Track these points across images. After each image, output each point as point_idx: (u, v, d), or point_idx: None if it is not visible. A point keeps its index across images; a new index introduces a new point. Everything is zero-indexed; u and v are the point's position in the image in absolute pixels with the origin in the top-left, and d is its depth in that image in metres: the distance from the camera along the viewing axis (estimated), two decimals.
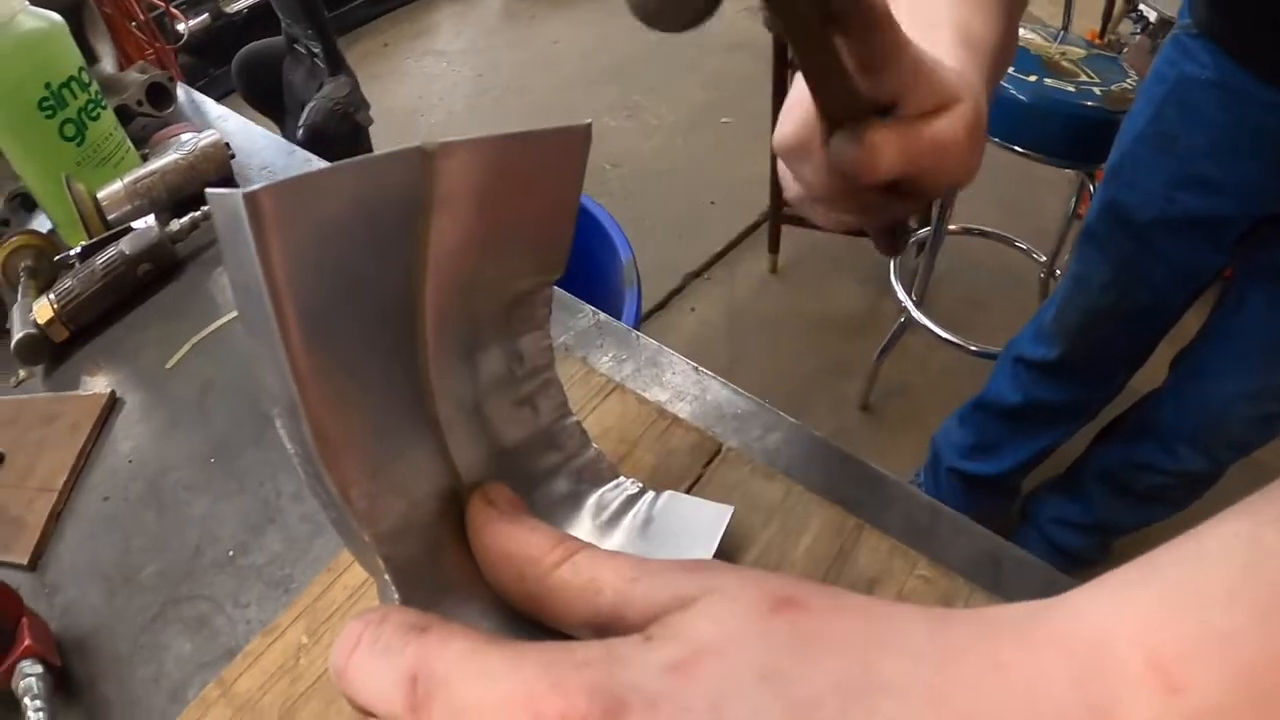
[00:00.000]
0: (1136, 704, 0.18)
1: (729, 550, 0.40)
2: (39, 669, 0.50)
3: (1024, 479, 1.59)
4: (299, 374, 0.26)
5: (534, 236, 0.35)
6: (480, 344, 0.35)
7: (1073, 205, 1.79)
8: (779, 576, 0.23)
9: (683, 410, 0.51)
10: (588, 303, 0.63)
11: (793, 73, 2.03)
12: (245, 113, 1.29)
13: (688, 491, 0.43)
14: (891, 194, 0.44)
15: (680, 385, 0.54)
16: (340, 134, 1.82)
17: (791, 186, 0.47)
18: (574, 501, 0.39)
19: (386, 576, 0.30)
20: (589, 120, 0.34)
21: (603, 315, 0.59)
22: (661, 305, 2.38)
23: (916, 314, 1.81)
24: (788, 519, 0.42)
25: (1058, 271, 1.89)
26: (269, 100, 2.37)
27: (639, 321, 1.02)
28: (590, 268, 1.12)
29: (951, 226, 2.02)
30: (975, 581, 0.38)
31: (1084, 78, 1.48)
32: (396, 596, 0.30)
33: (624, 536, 0.39)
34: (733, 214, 2.51)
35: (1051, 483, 1.61)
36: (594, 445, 0.40)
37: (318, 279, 0.26)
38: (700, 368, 0.54)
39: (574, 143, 0.34)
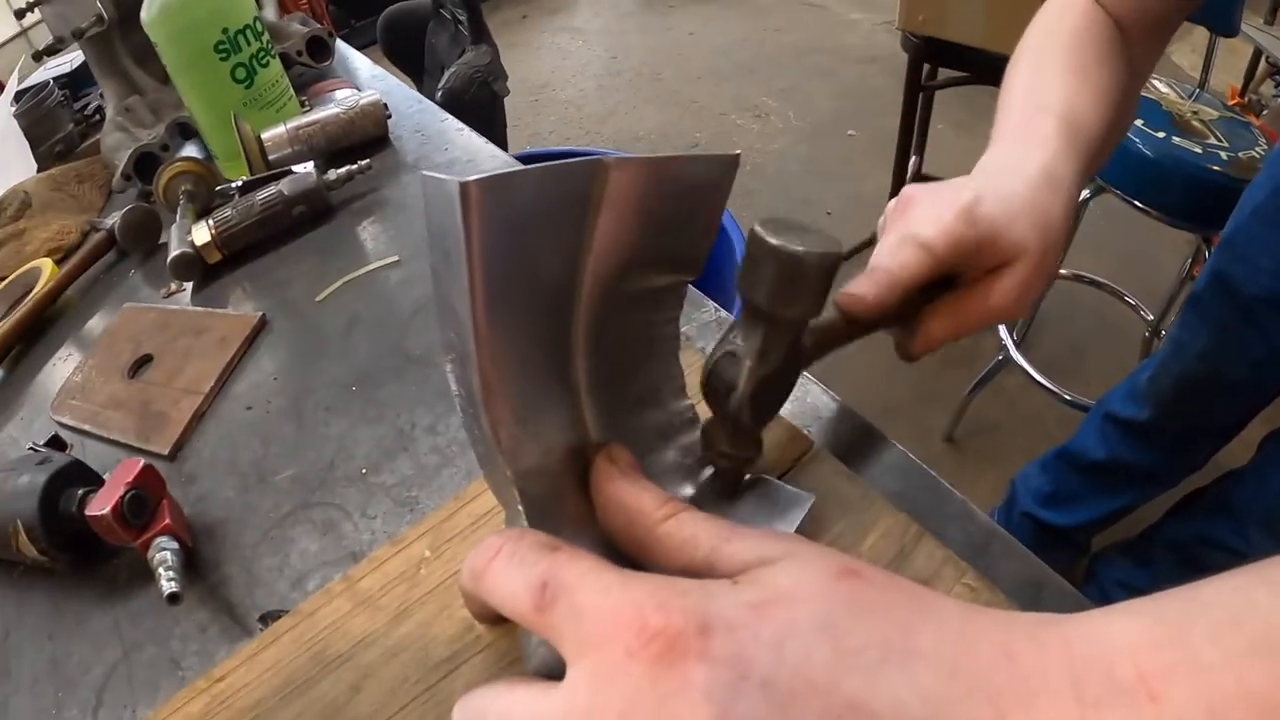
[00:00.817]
0: (1120, 704, 0.22)
1: (804, 533, 0.44)
2: (174, 545, 0.57)
3: (1095, 536, 1.58)
4: (479, 331, 0.32)
5: (678, 242, 0.40)
6: (620, 327, 0.40)
7: (1186, 268, 1.75)
8: (846, 555, 0.28)
9: (783, 408, 0.55)
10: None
11: (924, 96, 2.05)
12: (384, 67, 1.37)
13: (777, 479, 0.47)
14: None
15: None
16: (477, 101, 1.88)
17: None
18: (678, 471, 0.44)
19: (520, 507, 0.36)
20: (739, 151, 0.39)
21: (723, 312, 0.64)
22: None
23: (1015, 354, 1.80)
24: (859, 517, 0.46)
25: (1163, 332, 1.86)
26: (409, 59, 2.47)
27: None
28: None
29: (1063, 271, 2.00)
30: (1014, 599, 0.41)
31: (1213, 140, 1.44)
32: (525, 525, 0.35)
33: (716, 508, 0.43)
34: (848, 227, 2.49)
35: (1122, 545, 1.58)
36: (701, 426, 0.45)
37: (503, 255, 0.31)
38: (804, 372, 0.58)
39: (724, 168, 0.39)
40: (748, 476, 0.45)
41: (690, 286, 0.44)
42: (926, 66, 2.04)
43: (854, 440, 0.53)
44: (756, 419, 0.41)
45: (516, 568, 0.30)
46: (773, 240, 0.36)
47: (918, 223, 0.46)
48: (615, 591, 0.27)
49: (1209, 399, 1.21)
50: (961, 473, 1.92)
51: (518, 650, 0.43)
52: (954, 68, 2.00)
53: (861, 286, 0.44)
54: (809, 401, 0.56)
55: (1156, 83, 1.64)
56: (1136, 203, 1.46)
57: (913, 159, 2.23)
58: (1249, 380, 1.15)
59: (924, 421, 2.01)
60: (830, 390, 0.57)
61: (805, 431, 0.51)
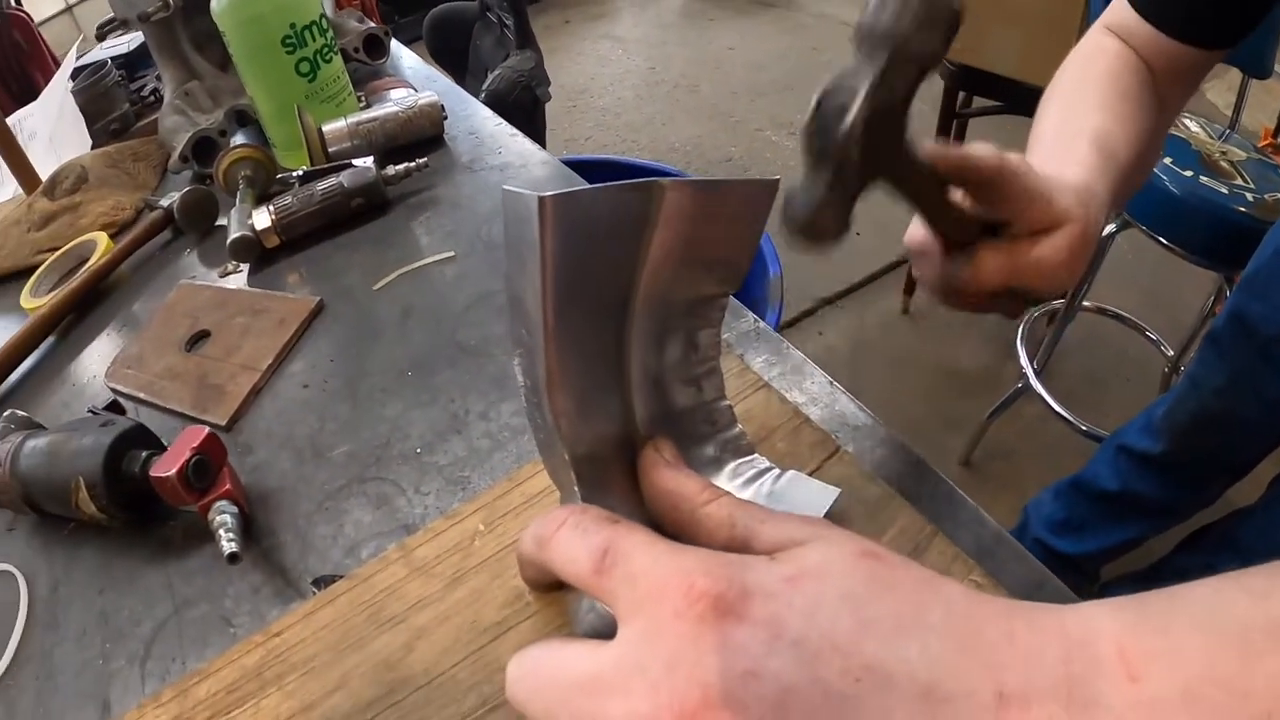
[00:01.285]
0: (1103, 681, 0.25)
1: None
2: (234, 509, 0.60)
3: (1104, 566, 1.60)
4: (547, 328, 0.37)
5: (723, 256, 0.44)
6: (668, 331, 0.45)
7: (1209, 306, 1.77)
8: (868, 540, 0.32)
9: (814, 414, 0.59)
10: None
11: (957, 123, 2.07)
12: (428, 63, 1.41)
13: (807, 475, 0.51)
14: (999, 296, 0.52)
15: (816, 393, 0.61)
16: (519, 104, 1.92)
17: (916, 276, 0.56)
18: (717, 465, 0.49)
19: (575, 489, 0.40)
20: (778, 176, 0.43)
21: (762, 323, 0.67)
22: (791, 323, 2.43)
23: (1035, 382, 1.82)
24: (878, 515, 0.49)
25: (1182, 368, 1.87)
26: (453, 59, 2.51)
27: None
28: None
29: (1086, 303, 2.02)
30: (1016, 596, 0.44)
31: (1240, 181, 1.45)
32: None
33: (752, 498, 0.47)
34: (877, 249, 2.52)
35: (1131, 576, 1.60)
36: (739, 425, 0.50)
37: (571, 262, 0.36)
38: (834, 382, 0.62)
39: (765, 192, 0.43)
40: (777, 470, 0.49)
41: (731, 297, 0.48)
42: (961, 94, 2.07)
43: (877, 446, 0.57)
44: (865, 163, 0.42)
45: (580, 536, 0.33)
46: None
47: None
48: (666, 559, 0.30)
49: (1222, 436, 1.23)
50: (976, 496, 1.88)
51: (564, 617, 0.47)
52: (988, 96, 2.03)
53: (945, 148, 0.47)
54: (837, 410, 0.60)
55: (1187, 121, 1.66)
56: (1161, 239, 1.48)
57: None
58: (1263, 419, 1.16)
59: (942, 444, 2.04)
60: (858, 401, 0.60)
61: (833, 437, 0.55)
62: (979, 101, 2.08)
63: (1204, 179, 1.44)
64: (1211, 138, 1.60)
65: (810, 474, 0.51)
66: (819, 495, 0.48)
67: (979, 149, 0.47)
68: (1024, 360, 1.88)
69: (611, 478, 0.42)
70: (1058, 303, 1.87)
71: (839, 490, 0.48)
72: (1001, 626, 0.28)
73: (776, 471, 0.49)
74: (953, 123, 2.12)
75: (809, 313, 2.46)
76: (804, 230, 0.44)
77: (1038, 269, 0.49)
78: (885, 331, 2.42)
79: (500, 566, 0.50)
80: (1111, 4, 0.69)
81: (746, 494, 0.47)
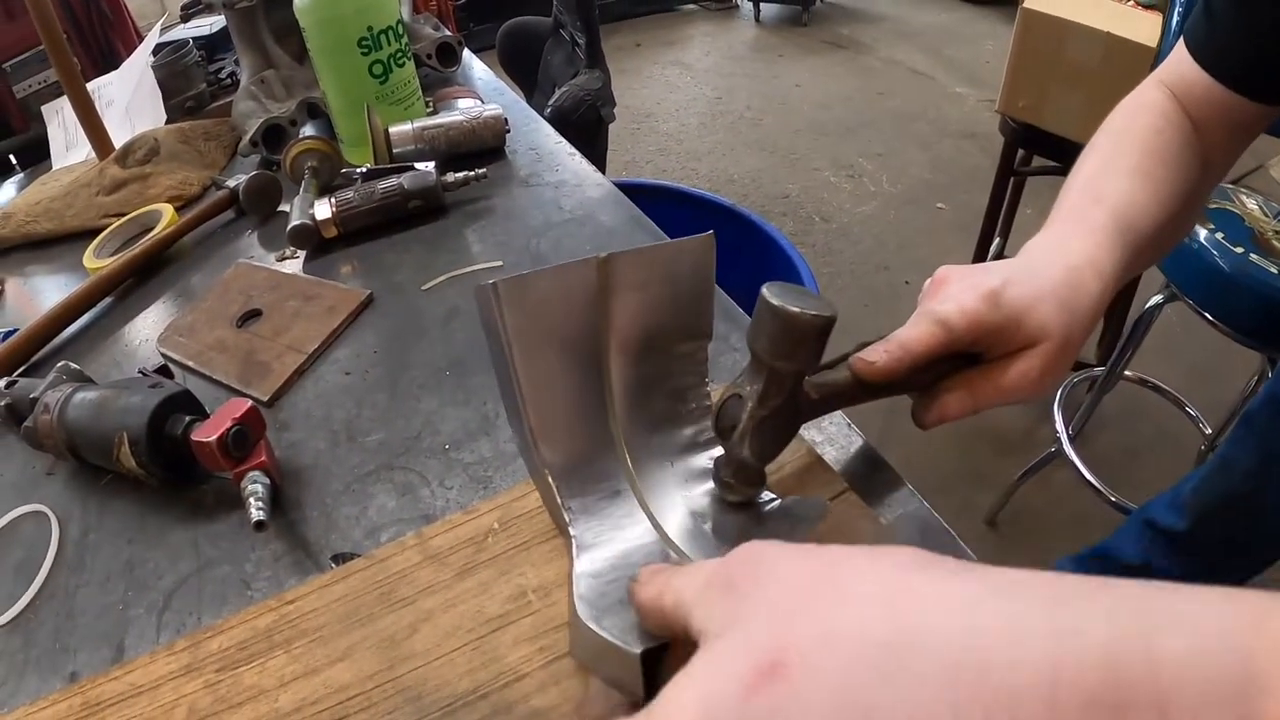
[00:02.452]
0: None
1: None
2: (266, 481, 0.63)
3: None
4: (521, 392, 0.44)
5: (684, 309, 0.49)
6: (652, 382, 0.50)
7: (1251, 386, 1.74)
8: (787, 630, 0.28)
9: (828, 454, 0.60)
10: None
11: (1015, 180, 2.07)
12: (496, 73, 1.45)
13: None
14: None
15: (833, 434, 0.63)
16: (584, 122, 1.95)
17: None
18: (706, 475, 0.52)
19: (567, 520, 0.47)
20: (711, 231, 0.49)
21: None
22: (829, 365, 2.41)
23: (1068, 449, 1.81)
24: None
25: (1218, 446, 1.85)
26: (522, 71, 2.56)
27: None
28: None
29: (1128, 373, 2.00)
30: None
31: None
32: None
33: (737, 526, 0.49)
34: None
35: None
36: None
37: (535, 336, 0.44)
38: (853, 425, 0.63)
39: (705, 248, 0.49)
40: (766, 498, 0.51)
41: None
42: (1021, 152, 2.08)
43: (888, 493, 0.58)
44: (757, 455, 0.47)
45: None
46: (774, 301, 0.43)
47: (943, 300, 0.50)
48: None
49: (1249, 520, 1.21)
50: (997, 556, 1.89)
51: (562, 617, 0.49)
52: (1048, 157, 2.03)
53: (874, 353, 0.50)
54: (852, 452, 0.61)
55: (1245, 197, 1.64)
56: (1207, 314, 1.46)
57: (996, 240, 2.26)
58: None
59: (970, 501, 2.02)
60: (872, 446, 0.62)
61: (842, 480, 0.56)
62: (1039, 160, 2.08)
63: (1254, 257, 1.41)
64: (1267, 215, 1.59)
65: None
66: (807, 510, 0.50)
67: (912, 340, 0.49)
68: (1059, 424, 1.86)
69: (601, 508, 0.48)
70: (1098, 369, 1.86)
71: (827, 503, 0.50)
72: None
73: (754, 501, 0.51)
74: (1010, 180, 2.13)
75: (846, 355, 2.44)
76: (727, 491, 0.49)
77: (1002, 393, 0.50)
78: None
79: (509, 564, 0.52)
80: (1169, 56, 0.69)
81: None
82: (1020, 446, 2.14)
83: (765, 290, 0.44)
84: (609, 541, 0.46)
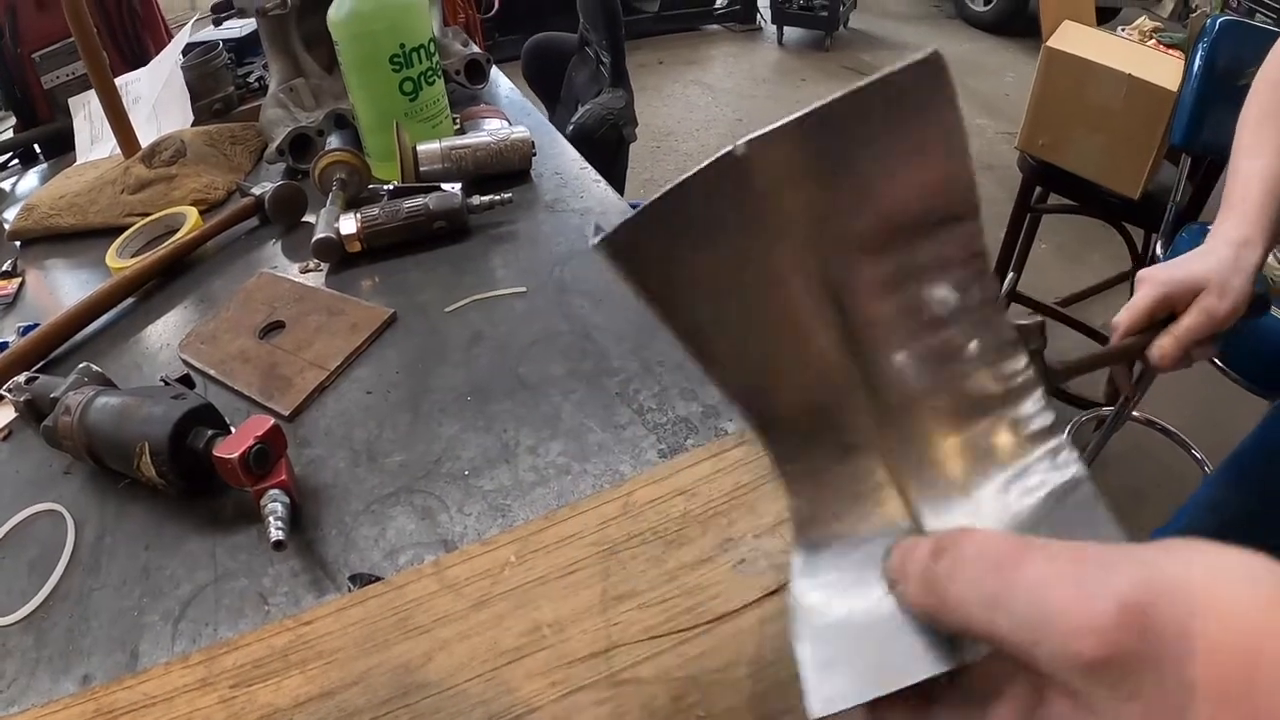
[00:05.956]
0: None
1: None
2: (286, 500, 0.63)
3: None
4: (693, 350, 0.35)
5: (916, 182, 0.33)
6: (899, 285, 0.35)
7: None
8: None
9: None
10: None
11: (1031, 216, 2.08)
12: (519, 86, 1.48)
13: None
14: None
15: None
16: (605, 141, 1.96)
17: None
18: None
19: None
20: (934, 47, 0.32)
21: None
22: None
23: None
24: None
25: None
26: (546, 86, 2.57)
27: None
28: None
29: (1136, 414, 2.00)
30: None
31: None
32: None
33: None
34: None
35: None
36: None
37: (667, 282, 0.34)
38: None
39: (924, 78, 0.33)
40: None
41: None
42: (1038, 188, 2.08)
43: None
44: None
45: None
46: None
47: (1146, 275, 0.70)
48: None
49: None
50: None
51: (576, 653, 0.49)
52: (1065, 195, 2.04)
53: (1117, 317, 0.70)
54: None
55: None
56: (1216, 360, 1.46)
57: (1010, 275, 2.26)
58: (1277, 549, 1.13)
59: None
60: None
61: None
62: (1055, 198, 2.09)
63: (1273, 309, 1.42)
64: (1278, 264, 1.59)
65: None
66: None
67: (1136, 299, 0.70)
68: None
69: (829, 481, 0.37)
70: (1107, 409, 1.86)
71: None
72: None
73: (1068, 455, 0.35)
74: (1026, 216, 2.14)
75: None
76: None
77: (1198, 325, 0.68)
78: None
79: (525, 598, 0.53)
80: None
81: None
82: None
83: None
84: (836, 533, 0.36)
